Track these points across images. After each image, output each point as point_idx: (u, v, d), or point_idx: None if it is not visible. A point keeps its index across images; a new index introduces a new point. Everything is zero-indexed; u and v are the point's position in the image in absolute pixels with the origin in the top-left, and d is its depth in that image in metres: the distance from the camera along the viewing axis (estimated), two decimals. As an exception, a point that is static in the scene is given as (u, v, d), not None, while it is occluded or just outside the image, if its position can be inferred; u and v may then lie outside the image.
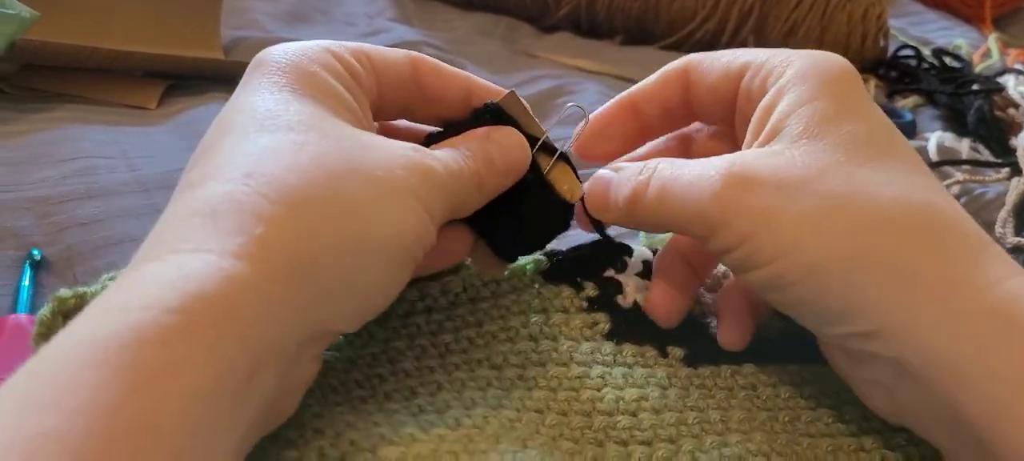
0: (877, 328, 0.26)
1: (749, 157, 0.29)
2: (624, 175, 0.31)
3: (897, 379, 0.27)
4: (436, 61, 0.32)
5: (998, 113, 0.67)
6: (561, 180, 0.33)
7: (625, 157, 0.36)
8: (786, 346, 0.35)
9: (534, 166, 0.33)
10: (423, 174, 0.27)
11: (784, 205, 0.27)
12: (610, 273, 0.36)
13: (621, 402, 0.32)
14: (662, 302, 0.34)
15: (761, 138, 0.30)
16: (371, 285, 0.26)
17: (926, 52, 0.79)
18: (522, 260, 0.36)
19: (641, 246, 0.38)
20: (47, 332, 0.26)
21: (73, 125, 0.52)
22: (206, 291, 0.21)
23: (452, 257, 0.33)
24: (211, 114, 0.56)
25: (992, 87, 0.70)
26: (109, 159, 0.49)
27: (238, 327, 0.21)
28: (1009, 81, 0.73)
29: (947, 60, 0.79)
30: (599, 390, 0.32)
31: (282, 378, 0.24)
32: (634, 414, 0.31)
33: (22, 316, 0.37)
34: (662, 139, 0.37)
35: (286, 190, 0.24)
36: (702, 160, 0.29)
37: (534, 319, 0.34)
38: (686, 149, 0.36)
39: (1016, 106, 0.69)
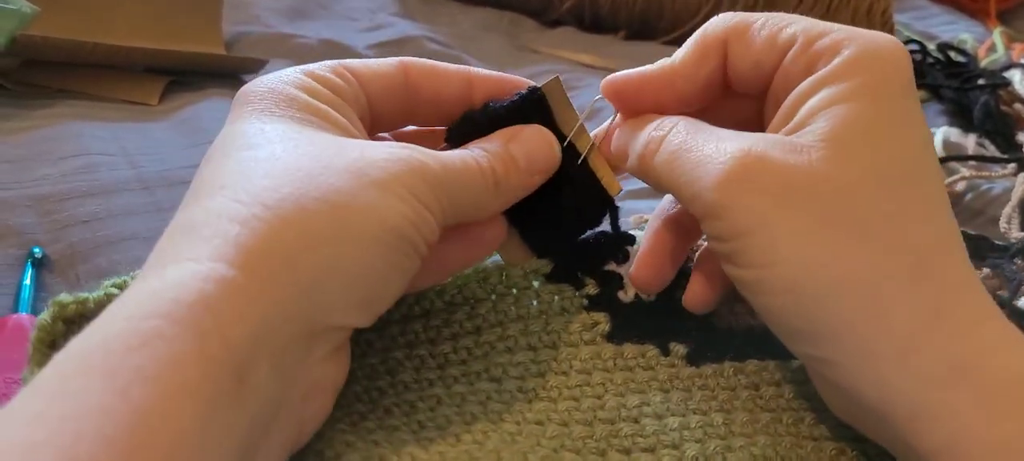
0: (840, 360, 0.27)
1: (765, 150, 0.27)
2: (642, 130, 0.31)
3: (857, 409, 0.28)
4: (429, 62, 0.32)
5: (1004, 108, 0.67)
6: (600, 171, 0.33)
7: None
8: None
9: (573, 157, 0.32)
10: (411, 167, 0.27)
11: (783, 213, 0.26)
12: (611, 266, 0.36)
13: (623, 409, 0.31)
14: (645, 269, 0.33)
15: (790, 125, 0.28)
16: (361, 273, 0.25)
17: (931, 47, 0.79)
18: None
19: (643, 233, 0.37)
20: (46, 336, 0.26)
21: (74, 122, 0.52)
22: (186, 295, 0.22)
23: (485, 247, 0.33)
24: (213, 110, 0.57)
25: (998, 82, 0.70)
26: (110, 156, 0.49)
27: (220, 327, 0.22)
28: (1015, 76, 0.73)
29: (952, 55, 0.78)
30: (600, 398, 0.32)
31: (285, 379, 0.24)
32: (636, 420, 0.31)
33: (23, 316, 0.37)
34: None
35: (258, 192, 0.24)
36: (718, 137, 0.28)
37: (533, 326, 0.34)
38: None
39: (1022, 101, 0.68)
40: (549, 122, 0.32)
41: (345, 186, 0.25)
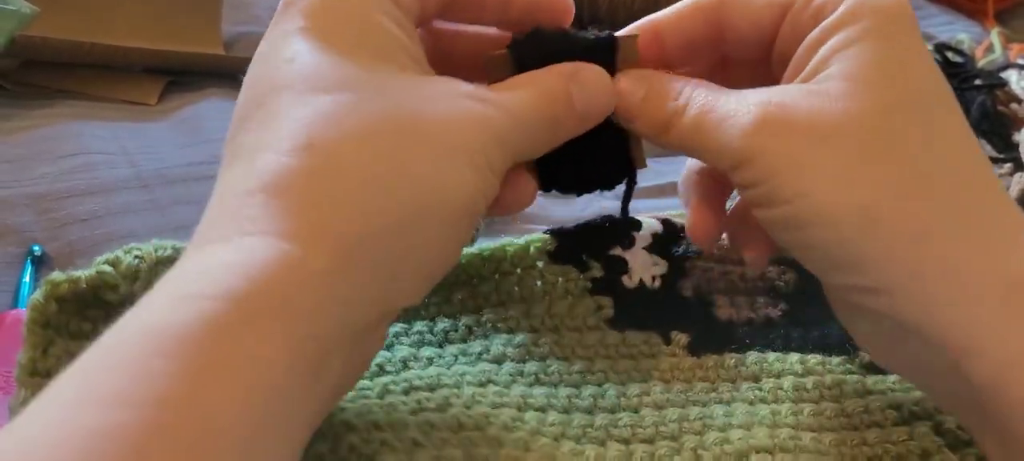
0: (884, 286, 0.26)
1: (786, 95, 0.28)
2: (662, 99, 0.30)
3: (898, 335, 0.27)
4: None
5: (1001, 108, 0.67)
6: (634, 142, 0.32)
7: None
8: (790, 332, 0.35)
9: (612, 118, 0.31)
10: (483, 126, 0.26)
11: (812, 149, 0.26)
12: (617, 250, 0.35)
13: (623, 398, 0.31)
14: (700, 224, 0.32)
15: (804, 74, 0.29)
16: (435, 255, 0.25)
17: (928, 47, 0.79)
18: (526, 238, 0.34)
19: (652, 219, 0.37)
20: (40, 316, 0.26)
21: (73, 121, 0.52)
22: (273, 280, 0.20)
23: (519, 204, 0.30)
24: (212, 110, 0.57)
25: (995, 82, 0.70)
26: (109, 155, 0.49)
27: (305, 316, 0.21)
28: (1012, 76, 0.73)
29: (949, 55, 0.78)
30: (601, 385, 0.32)
31: (353, 366, 0.24)
32: (636, 410, 0.31)
33: (22, 311, 0.37)
34: None
35: (345, 165, 0.23)
36: (738, 94, 0.28)
37: (536, 308, 0.33)
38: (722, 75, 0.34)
39: (1019, 101, 0.68)
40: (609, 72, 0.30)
41: (428, 161, 0.24)
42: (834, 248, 0.27)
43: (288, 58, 0.25)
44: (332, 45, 0.25)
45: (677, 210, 0.46)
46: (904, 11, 0.28)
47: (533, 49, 0.29)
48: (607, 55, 0.30)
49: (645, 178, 0.53)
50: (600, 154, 0.32)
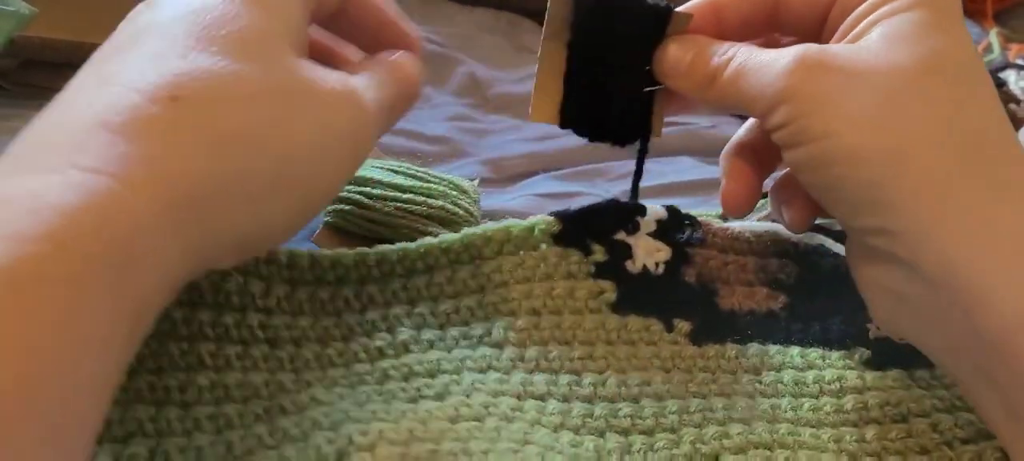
0: (902, 228, 0.27)
1: (827, 46, 0.29)
2: (708, 56, 0.32)
3: (909, 285, 0.28)
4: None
5: (999, 108, 0.67)
6: (657, 112, 0.34)
7: None
8: (791, 324, 0.35)
9: (646, 82, 0.33)
10: (359, 116, 0.27)
11: (843, 89, 0.28)
12: (620, 235, 0.35)
13: (624, 387, 0.31)
14: (733, 193, 0.34)
15: (850, 37, 0.30)
16: (281, 228, 0.26)
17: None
18: (531, 220, 0.34)
19: (657, 205, 0.37)
20: None
21: (73, 121, 0.52)
22: (101, 223, 0.19)
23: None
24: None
25: (993, 82, 0.70)
26: (109, 155, 0.49)
27: (131, 263, 0.20)
28: (1010, 76, 0.73)
29: (948, 55, 0.78)
30: (602, 373, 0.32)
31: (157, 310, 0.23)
32: (636, 400, 0.31)
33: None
34: None
35: (211, 121, 0.22)
36: (776, 51, 0.30)
37: (537, 289, 0.33)
38: None
39: (1017, 101, 0.69)
40: (654, 42, 0.33)
41: (303, 141, 0.25)
42: (860, 189, 0.27)
43: (174, 7, 0.25)
44: (222, 14, 0.25)
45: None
46: None
47: (587, 2, 0.32)
48: (660, 23, 0.32)
49: (646, 178, 0.53)
50: (624, 109, 0.34)
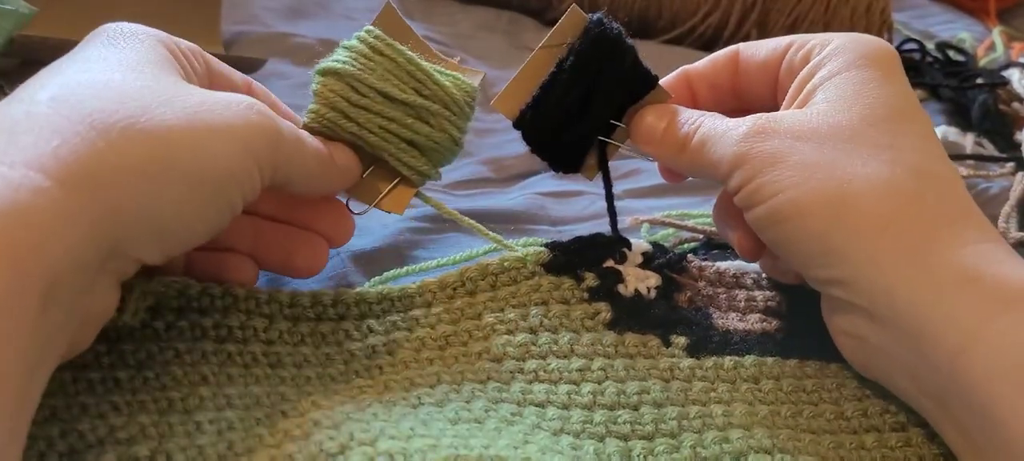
0: (851, 276, 0.29)
1: (776, 114, 0.32)
2: (676, 127, 0.35)
3: (869, 329, 0.29)
4: (275, 104, 0.34)
5: (1002, 107, 0.67)
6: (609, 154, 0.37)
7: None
8: (787, 341, 0.35)
9: (609, 128, 0.36)
10: (250, 122, 0.28)
11: (790, 151, 0.30)
12: (610, 263, 0.36)
13: (622, 396, 0.32)
14: (746, 245, 0.36)
15: (797, 102, 0.33)
16: (174, 214, 0.26)
17: (930, 46, 0.79)
18: (522, 251, 0.35)
19: (641, 240, 0.38)
20: None
21: (72, 121, 0.52)
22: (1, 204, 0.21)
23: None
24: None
25: (996, 81, 0.70)
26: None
27: (36, 242, 0.21)
28: (1014, 75, 0.73)
29: (951, 54, 0.78)
30: (600, 383, 0.32)
31: (75, 304, 0.24)
32: (635, 408, 0.31)
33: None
34: None
35: (88, 112, 0.24)
36: (735, 120, 0.33)
37: (534, 311, 0.34)
38: None
39: (1021, 100, 0.68)
40: (633, 98, 0.36)
41: (178, 124, 0.25)
42: (811, 240, 0.30)
43: (64, 57, 0.28)
44: (108, 45, 0.28)
45: (672, 210, 0.46)
46: (883, 50, 0.33)
47: (597, 35, 0.35)
48: (643, 86, 0.36)
49: (645, 178, 0.54)
50: (573, 141, 0.36)
